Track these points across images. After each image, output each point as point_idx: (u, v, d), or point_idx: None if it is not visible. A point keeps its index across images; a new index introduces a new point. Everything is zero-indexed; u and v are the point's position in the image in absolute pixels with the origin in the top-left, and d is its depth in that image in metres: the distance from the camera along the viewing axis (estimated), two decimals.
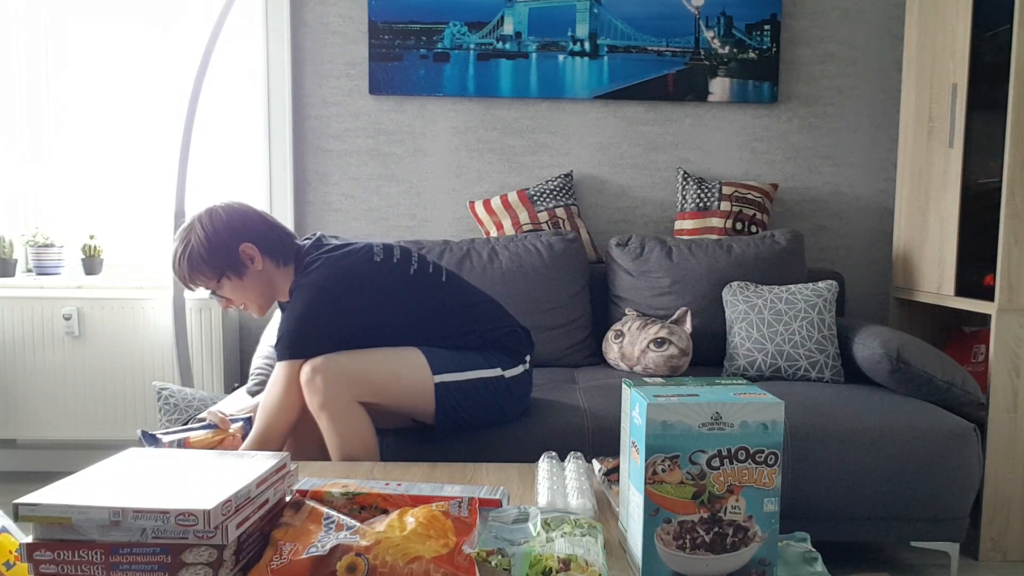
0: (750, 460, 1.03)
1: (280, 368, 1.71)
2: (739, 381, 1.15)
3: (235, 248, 1.75)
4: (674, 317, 2.47)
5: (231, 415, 1.81)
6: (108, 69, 2.97)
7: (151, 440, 1.65)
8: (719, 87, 2.88)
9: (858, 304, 2.99)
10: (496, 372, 1.83)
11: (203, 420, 1.78)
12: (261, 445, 1.71)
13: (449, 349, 1.81)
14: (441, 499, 1.17)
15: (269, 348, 2.24)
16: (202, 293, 2.78)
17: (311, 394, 1.65)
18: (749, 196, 2.76)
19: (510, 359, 1.87)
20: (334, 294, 1.73)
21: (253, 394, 2.14)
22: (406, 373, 1.73)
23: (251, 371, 2.19)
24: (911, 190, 2.67)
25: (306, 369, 1.66)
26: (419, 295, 1.82)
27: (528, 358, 1.93)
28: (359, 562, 0.94)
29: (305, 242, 1.86)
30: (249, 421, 1.82)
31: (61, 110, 2.99)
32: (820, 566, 1.14)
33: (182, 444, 1.70)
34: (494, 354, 1.85)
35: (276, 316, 2.54)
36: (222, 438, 1.75)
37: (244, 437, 1.78)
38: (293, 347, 1.70)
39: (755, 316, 2.37)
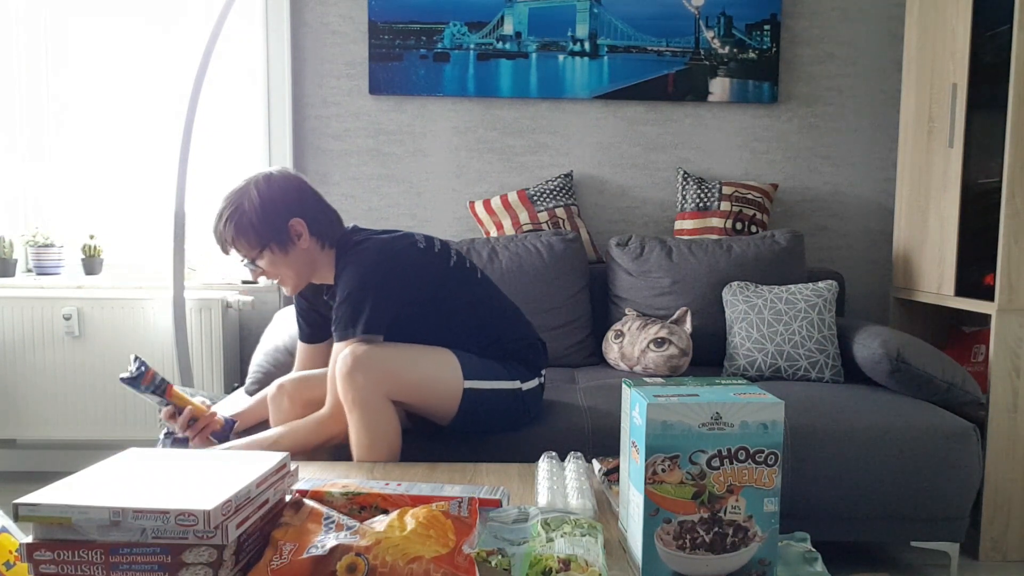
0: (750, 460, 1.03)
1: (348, 347, 1.65)
2: (739, 381, 1.15)
3: (286, 221, 1.69)
4: (674, 317, 2.47)
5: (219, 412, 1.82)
6: (108, 69, 2.97)
7: (132, 382, 1.66)
8: (719, 87, 2.88)
9: (858, 304, 2.99)
10: (515, 384, 1.83)
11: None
12: (335, 417, 1.67)
13: (474, 354, 1.80)
14: (441, 499, 1.17)
15: (271, 347, 2.23)
16: (202, 293, 2.78)
17: (347, 387, 1.60)
18: (749, 196, 2.76)
19: (528, 371, 1.88)
20: (385, 274, 1.69)
21: (251, 393, 2.14)
22: (440, 375, 1.71)
23: (250, 370, 2.19)
24: (911, 190, 2.67)
25: (346, 361, 1.60)
26: (455, 289, 1.80)
27: (543, 373, 1.94)
28: (359, 562, 0.94)
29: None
30: (232, 422, 1.82)
31: (61, 110, 2.99)
32: (820, 566, 1.14)
33: (162, 391, 1.70)
34: (514, 365, 1.86)
35: (277, 318, 2.54)
36: (203, 411, 1.75)
37: (224, 429, 1.78)
38: (367, 322, 1.64)
39: (755, 316, 2.37)
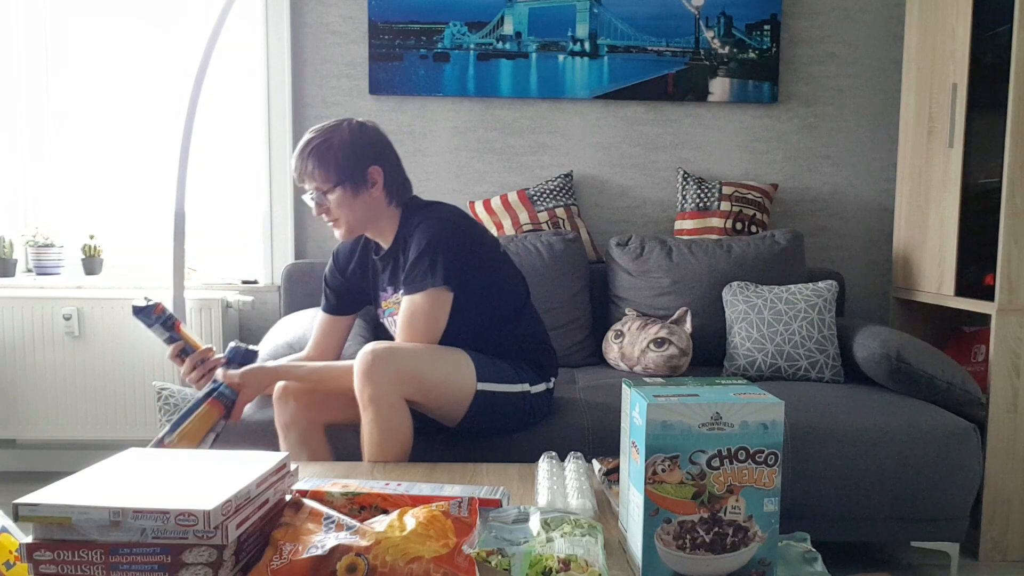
0: (750, 460, 1.03)
1: (432, 295, 1.69)
2: (739, 381, 1.15)
3: (366, 166, 1.74)
4: (674, 317, 2.47)
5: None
6: (108, 69, 2.97)
7: (143, 313, 1.66)
8: (719, 87, 2.88)
9: (858, 304, 2.99)
10: (523, 387, 1.84)
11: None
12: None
13: (487, 355, 1.81)
14: (441, 499, 1.17)
15: (272, 346, 2.23)
16: (202, 293, 2.78)
17: (366, 384, 1.60)
18: (749, 196, 2.76)
19: (536, 375, 1.89)
20: (461, 235, 1.75)
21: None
22: (455, 377, 1.72)
23: None
24: (911, 190, 2.67)
25: (366, 359, 1.60)
26: (503, 270, 1.85)
27: (553, 380, 1.95)
28: (359, 562, 0.94)
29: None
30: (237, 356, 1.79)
31: (61, 110, 2.99)
32: (820, 566, 1.14)
33: (171, 326, 1.70)
34: (524, 367, 1.87)
35: (278, 322, 2.54)
36: (211, 352, 1.75)
37: (228, 362, 1.75)
38: (446, 272, 1.69)
39: (755, 316, 2.37)
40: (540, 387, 1.89)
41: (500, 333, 1.85)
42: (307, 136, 1.74)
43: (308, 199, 1.76)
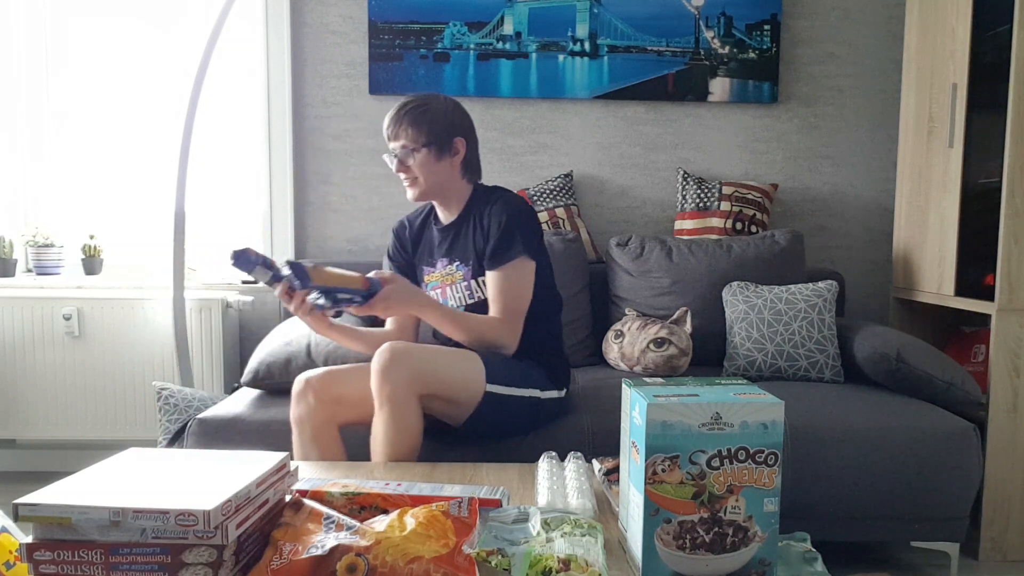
0: (750, 460, 1.03)
1: (517, 265, 1.81)
2: (739, 381, 1.15)
3: (455, 135, 1.86)
4: (674, 317, 2.47)
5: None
6: (108, 69, 2.97)
7: (241, 257, 1.57)
8: (719, 87, 2.88)
9: (858, 304, 2.99)
10: (534, 392, 1.85)
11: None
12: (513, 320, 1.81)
13: (501, 357, 1.84)
14: (441, 499, 1.17)
15: (272, 345, 2.22)
16: (202, 293, 2.78)
17: (384, 381, 1.62)
18: (749, 196, 2.76)
19: (548, 381, 1.90)
20: (533, 215, 1.89)
21: (248, 384, 2.14)
22: (467, 377, 1.74)
23: (248, 368, 2.15)
24: (911, 190, 2.67)
25: (384, 356, 1.63)
26: (546, 265, 1.93)
27: (565, 390, 1.97)
28: (359, 562, 0.94)
29: None
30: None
31: (61, 110, 2.99)
32: (820, 566, 1.14)
33: (269, 263, 1.60)
34: (537, 371, 1.88)
35: (281, 327, 2.54)
36: (360, 277, 1.66)
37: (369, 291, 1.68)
38: (526, 243, 1.82)
39: (755, 316, 2.37)
40: (551, 393, 1.90)
41: (531, 328, 1.87)
42: (404, 99, 1.87)
43: (389, 158, 1.86)
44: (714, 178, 2.93)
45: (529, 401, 1.84)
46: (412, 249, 2.02)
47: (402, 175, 1.87)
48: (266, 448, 1.89)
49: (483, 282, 1.88)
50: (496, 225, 1.83)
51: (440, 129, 1.84)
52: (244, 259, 1.60)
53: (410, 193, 1.88)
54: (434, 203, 1.98)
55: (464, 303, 1.91)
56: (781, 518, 1.04)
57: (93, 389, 2.72)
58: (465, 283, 1.90)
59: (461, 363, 1.74)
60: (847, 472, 1.91)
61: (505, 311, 1.81)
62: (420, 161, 1.84)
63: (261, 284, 1.72)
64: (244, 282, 2.92)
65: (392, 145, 1.86)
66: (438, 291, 1.93)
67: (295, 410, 1.80)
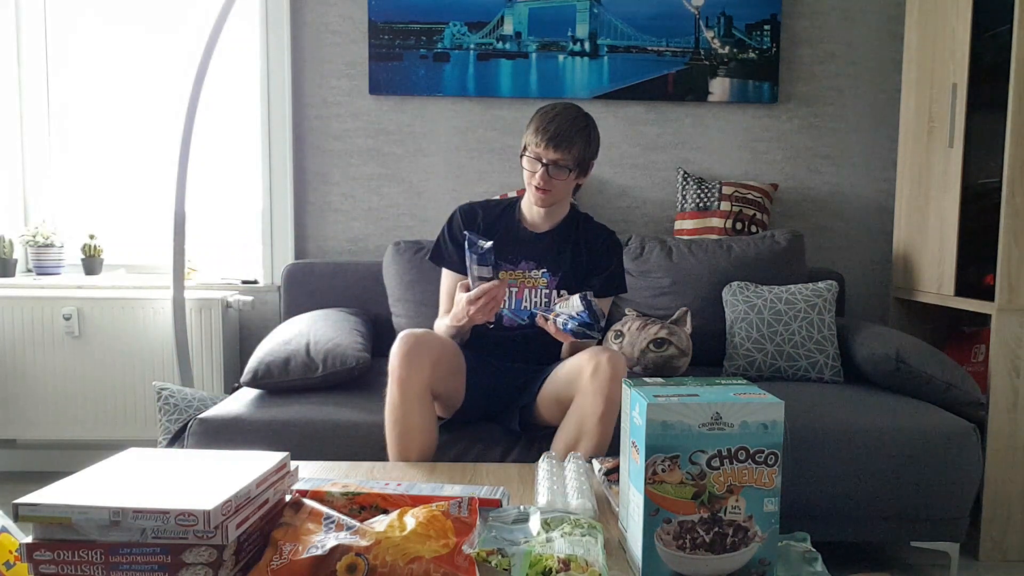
0: (750, 460, 1.03)
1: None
2: (739, 381, 1.15)
3: (595, 158, 1.95)
4: (674, 317, 2.46)
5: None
6: (108, 69, 2.97)
7: (474, 247, 1.72)
8: (719, 87, 2.88)
9: (858, 304, 2.99)
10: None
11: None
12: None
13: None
14: (441, 499, 1.17)
15: (271, 345, 2.22)
16: (202, 293, 2.78)
17: (402, 369, 1.71)
18: (749, 196, 2.76)
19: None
20: None
21: (247, 384, 2.14)
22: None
23: (248, 367, 2.14)
24: (911, 190, 2.67)
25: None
26: None
27: None
28: (359, 562, 0.94)
29: None
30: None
31: (61, 110, 2.99)
32: (820, 566, 1.14)
33: (488, 261, 1.75)
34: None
35: (280, 327, 2.53)
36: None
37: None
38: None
39: (755, 316, 2.37)
40: None
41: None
42: (571, 111, 1.87)
43: (530, 163, 1.87)
44: (714, 178, 2.92)
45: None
46: (489, 233, 1.98)
47: (538, 181, 1.87)
48: (266, 448, 1.88)
49: (563, 293, 1.92)
50: (617, 260, 2.00)
51: (592, 156, 1.92)
52: (476, 250, 1.73)
53: (542, 200, 1.91)
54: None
55: (538, 308, 1.94)
56: (781, 518, 1.04)
57: (93, 389, 2.72)
58: (547, 291, 1.94)
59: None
60: (847, 472, 1.91)
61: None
62: (563, 179, 1.88)
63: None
64: (244, 282, 2.91)
65: (544, 154, 1.84)
66: (514, 290, 1.96)
67: (402, 370, 1.70)
